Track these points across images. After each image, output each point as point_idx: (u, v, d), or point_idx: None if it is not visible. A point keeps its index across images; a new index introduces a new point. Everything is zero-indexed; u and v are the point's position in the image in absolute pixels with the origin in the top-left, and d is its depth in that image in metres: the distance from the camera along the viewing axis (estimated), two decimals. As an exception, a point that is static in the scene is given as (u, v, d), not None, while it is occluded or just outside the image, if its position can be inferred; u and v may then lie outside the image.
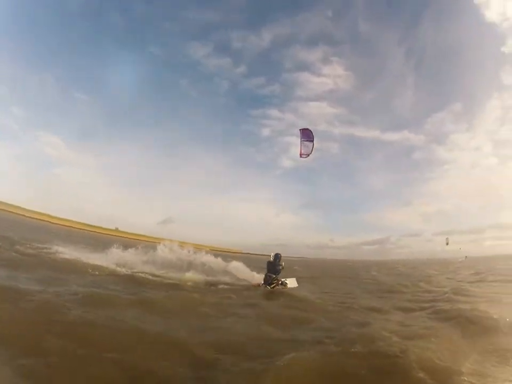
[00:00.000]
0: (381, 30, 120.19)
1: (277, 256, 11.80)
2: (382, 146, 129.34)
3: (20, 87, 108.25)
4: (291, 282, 11.83)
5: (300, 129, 13.17)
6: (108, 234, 71.21)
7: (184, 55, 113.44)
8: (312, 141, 12.87)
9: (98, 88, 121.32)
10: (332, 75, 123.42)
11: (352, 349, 4.31)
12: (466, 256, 75.24)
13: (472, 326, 6.21)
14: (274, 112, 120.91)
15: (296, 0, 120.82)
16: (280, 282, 11.39)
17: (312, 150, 12.88)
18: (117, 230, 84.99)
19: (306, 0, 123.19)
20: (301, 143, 12.95)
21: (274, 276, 11.42)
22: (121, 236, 68.34)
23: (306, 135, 12.96)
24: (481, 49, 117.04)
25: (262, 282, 11.43)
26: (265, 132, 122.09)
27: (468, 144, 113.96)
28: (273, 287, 11.24)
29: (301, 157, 12.99)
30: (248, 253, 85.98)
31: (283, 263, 11.84)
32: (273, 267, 11.64)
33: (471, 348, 5.04)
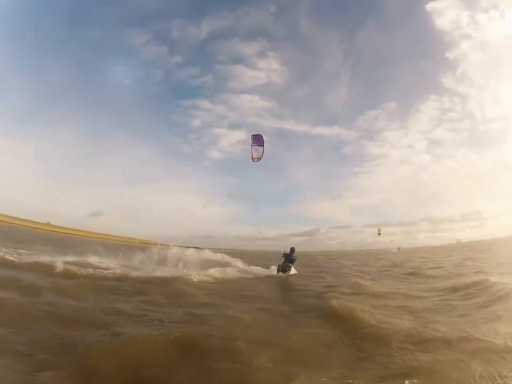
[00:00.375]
0: (322, 30, 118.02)
1: (293, 250, 13.98)
2: (312, 141, 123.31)
3: None
4: (293, 270, 14.33)
5: (251, 135, 13.91)
6: (40, 228, 69.06)
7: (122, 41, 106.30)
8: (263, 145, 13.73)
9: (32, 71, 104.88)
10: (266, 69, 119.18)
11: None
12: (399, 248, 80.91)
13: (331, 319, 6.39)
14: (205, 103, 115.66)
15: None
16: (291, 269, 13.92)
17: (262, 154, 13.71)
18: (48, 224, 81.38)
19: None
20: (252, 147, 13.59)
21: (290, 265, 13.86)
22: (54, 231, 69.31)
23: (257, 140, 13.77)
24: (425, 54, 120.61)
25: (275, 272, 13.95)
26: (195, 122, 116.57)
27: (399, 141, 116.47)
28: (288, 273, 13.78)
29: (253, 160, 13.69)
30: (175, 246, 61.73)
31: (295, 255, 13.90)
32: (290, 258, 13.91)
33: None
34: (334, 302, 7.32)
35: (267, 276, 14.16)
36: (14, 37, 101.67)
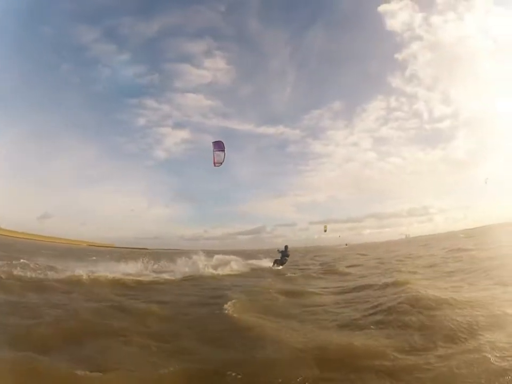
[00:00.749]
0: (270, 29, 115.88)
1: (286, 247, 17.66)
2: (256, 140, 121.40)
3: None
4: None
5: (212, 142, 14.46)
6: None
7: (74, 38, 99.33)
8: (224, 151, 14.35)
9: None
10: (213, 68, 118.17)
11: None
12: (346, 244, 79.87)
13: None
14: (150, 102, 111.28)
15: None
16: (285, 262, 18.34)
17: (224, 159, 14.33)
18: None
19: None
20: (213, 153, 14.22)
21: (287, 258, 17.44)
22: (5, 235, 65.41)
23: (218, 146, 14.40)
24: (373, 54, 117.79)
25: (274, 264, 17.60)
26: (140, 121, 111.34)
27: (345, 139, 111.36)
28: (283, 265, 18.05)
29: (214, 165, 14.27)
30: (122, 247, 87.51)
31: (289, 251, 18.04)
32: (286, 253, 17.50)
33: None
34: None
35: (271, 267, 18.19)
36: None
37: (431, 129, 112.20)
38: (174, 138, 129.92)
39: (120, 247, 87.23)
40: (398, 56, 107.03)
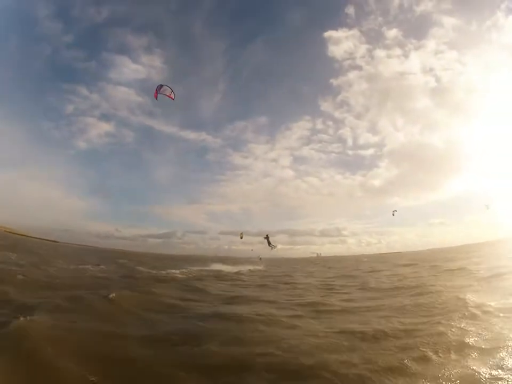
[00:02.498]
0: (213, 36, 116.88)
1: (268, 236, 23.08)
2: (177, 143, 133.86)
3: None
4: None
5: (157, 87, 13.89)
6: None
7: (26, 12, 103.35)
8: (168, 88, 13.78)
9: None
10: (148, 65, 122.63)
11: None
12: (260, 258, 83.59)
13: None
14: (83, 89, 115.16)
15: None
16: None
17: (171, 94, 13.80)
18: None
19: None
20: (158, 92, 13.64)
21: (268, 241, 23.18)
22: None
23: (161, 88, 13.77)
24: (308, 77, 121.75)
25: (267, 241, 23.28)
26: (69, 109, 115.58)
27: (265, 154, 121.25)
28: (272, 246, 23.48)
29: (156, 97, 13.73)
30: (35, 237, 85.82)
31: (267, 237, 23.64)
32: (268, 239, 23.23)
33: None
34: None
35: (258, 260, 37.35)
36: None
37: (353, 155, 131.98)
38: (98, 130, 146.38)
39: (30, 236, 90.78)
40: (333, 81, 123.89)
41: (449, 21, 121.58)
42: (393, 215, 35.65)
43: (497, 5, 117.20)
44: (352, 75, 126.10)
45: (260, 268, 36.16)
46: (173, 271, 23.29)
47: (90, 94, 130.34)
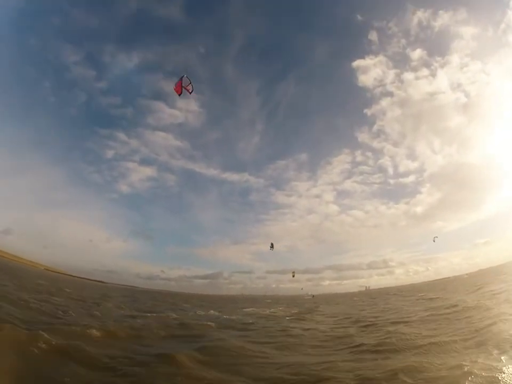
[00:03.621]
0: (244, 77, 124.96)
1: (272, 244, 30.04)
2: (220, 185, 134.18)
3: None
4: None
5: (181, 79, 13.59)
6: None
7: (56, 56, 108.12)
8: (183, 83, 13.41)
9: None
10: (185, 109, 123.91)
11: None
12: (313, 295, 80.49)
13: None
14: (121, 135, 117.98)
15: (174, 28, 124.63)
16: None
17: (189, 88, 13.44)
18: None
19: (184, 31, 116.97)
20: (182, 83, 13.35)
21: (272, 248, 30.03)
22: None
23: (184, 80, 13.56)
24: (342, 109, 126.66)
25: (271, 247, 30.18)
26: (109, 153, 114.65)
27: (308, 191, 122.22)
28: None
29: (179, 92, 13.32)
30: (79, 277, 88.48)
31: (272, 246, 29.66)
32: (272, 247, 30.00)
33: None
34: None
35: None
36: None
37: (395, 184, 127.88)
38: (140, 175, 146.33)
39: (76, 276, 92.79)
40: (367, 111, 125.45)
41: (467, 31, 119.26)
42: (434, 241, 36.63)
43: (506, 4, 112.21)
44: (384, 102, 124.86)
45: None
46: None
47: (129, 139, 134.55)
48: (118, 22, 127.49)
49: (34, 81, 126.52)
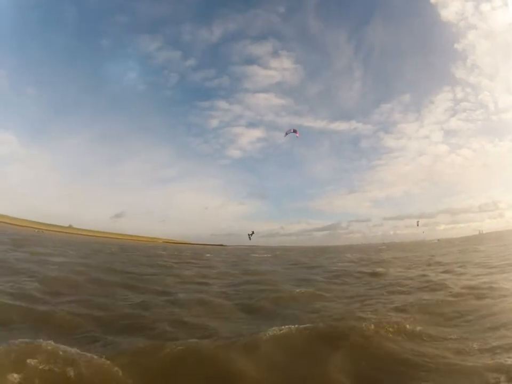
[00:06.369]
0: (331, 28, 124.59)
1: (253, 232, 23.87)
2: (329, 136, 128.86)
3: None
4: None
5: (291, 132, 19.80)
6: (64, 232, 65.61)
7: (134, 48, 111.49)
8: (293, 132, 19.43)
9: (47, 81, 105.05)
10: (280, 68, 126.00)
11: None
12: (438, 239, 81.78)
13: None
14: (222, 103, 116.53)
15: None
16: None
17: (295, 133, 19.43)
18: (70, 227, 77.62)
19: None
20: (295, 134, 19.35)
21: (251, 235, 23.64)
22: (77, 234, 70.81)
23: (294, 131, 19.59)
24: (434, 46, 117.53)
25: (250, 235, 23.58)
26: (213, 123, 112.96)
27: (416, 133, 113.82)
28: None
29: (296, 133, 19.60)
30: (198, 243, 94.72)
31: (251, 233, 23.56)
32: (251, 235, 23.63)
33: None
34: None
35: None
36: (24, 50, 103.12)
37: (497, 120, 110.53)
38: (248, 137, 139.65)
39: (196, 243, 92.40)
40: (458, 46, 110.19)
41: None
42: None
43: None
44: (471, 36, 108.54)
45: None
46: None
47: (231, 106, 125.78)
48: (185, 2, 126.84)
49: (117, 76, 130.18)
